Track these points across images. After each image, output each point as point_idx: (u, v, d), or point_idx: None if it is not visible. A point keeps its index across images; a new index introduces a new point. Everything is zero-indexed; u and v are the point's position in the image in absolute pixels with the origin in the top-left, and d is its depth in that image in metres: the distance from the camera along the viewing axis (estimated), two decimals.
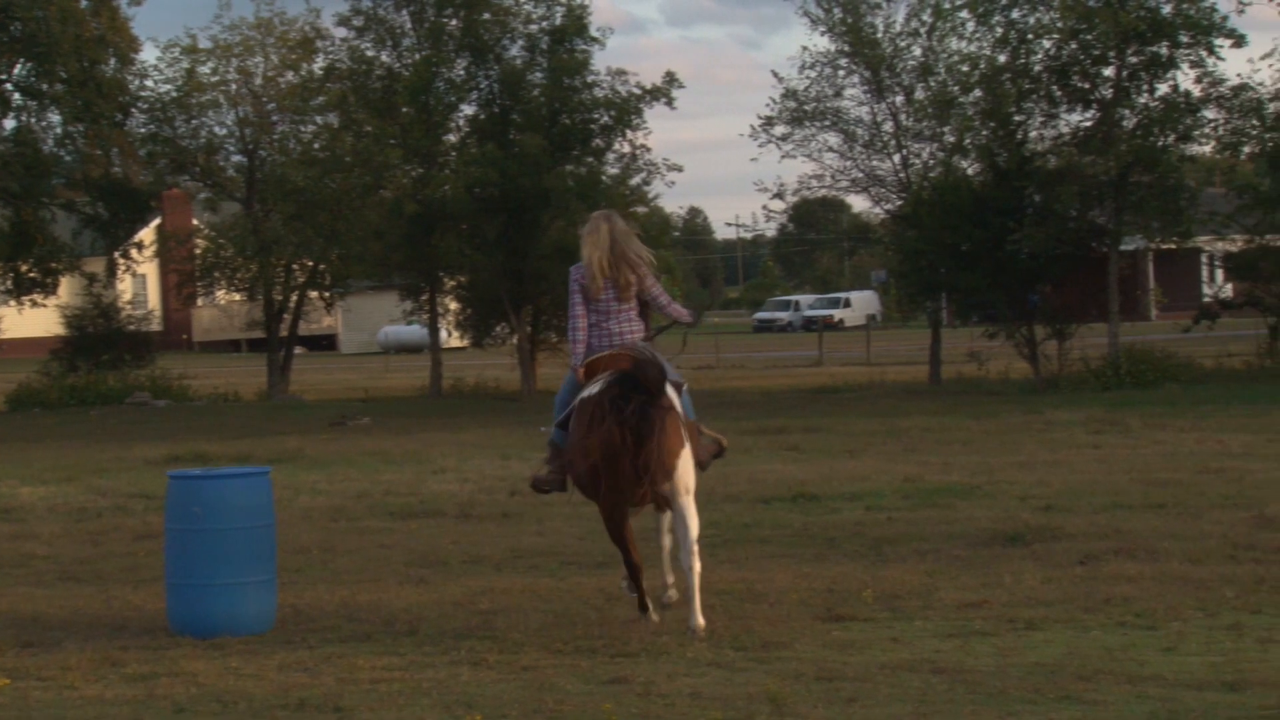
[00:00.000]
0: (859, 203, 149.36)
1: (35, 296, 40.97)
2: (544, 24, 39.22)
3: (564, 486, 10.65)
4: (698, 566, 10.05)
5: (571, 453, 10.28)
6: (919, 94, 38.36)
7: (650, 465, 9.76)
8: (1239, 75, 34.95)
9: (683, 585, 10.38)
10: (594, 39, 39.28)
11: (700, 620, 9.96)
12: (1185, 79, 34.25)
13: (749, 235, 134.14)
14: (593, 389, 10.12)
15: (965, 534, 13.67)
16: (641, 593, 10.45)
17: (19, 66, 40.29)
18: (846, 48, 38.28)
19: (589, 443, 9.96)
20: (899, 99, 38.60)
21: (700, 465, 10.44)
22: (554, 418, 10.66)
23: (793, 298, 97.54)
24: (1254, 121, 34.14)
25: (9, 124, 40.58)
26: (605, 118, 39.05)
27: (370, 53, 40.21)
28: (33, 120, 40.63)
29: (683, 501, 10.03)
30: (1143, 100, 34.47)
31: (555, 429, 10.62)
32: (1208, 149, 35.71)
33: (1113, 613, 10.31)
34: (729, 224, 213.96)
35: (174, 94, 40.80)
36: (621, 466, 9.83)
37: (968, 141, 37.17)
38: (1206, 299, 39.36)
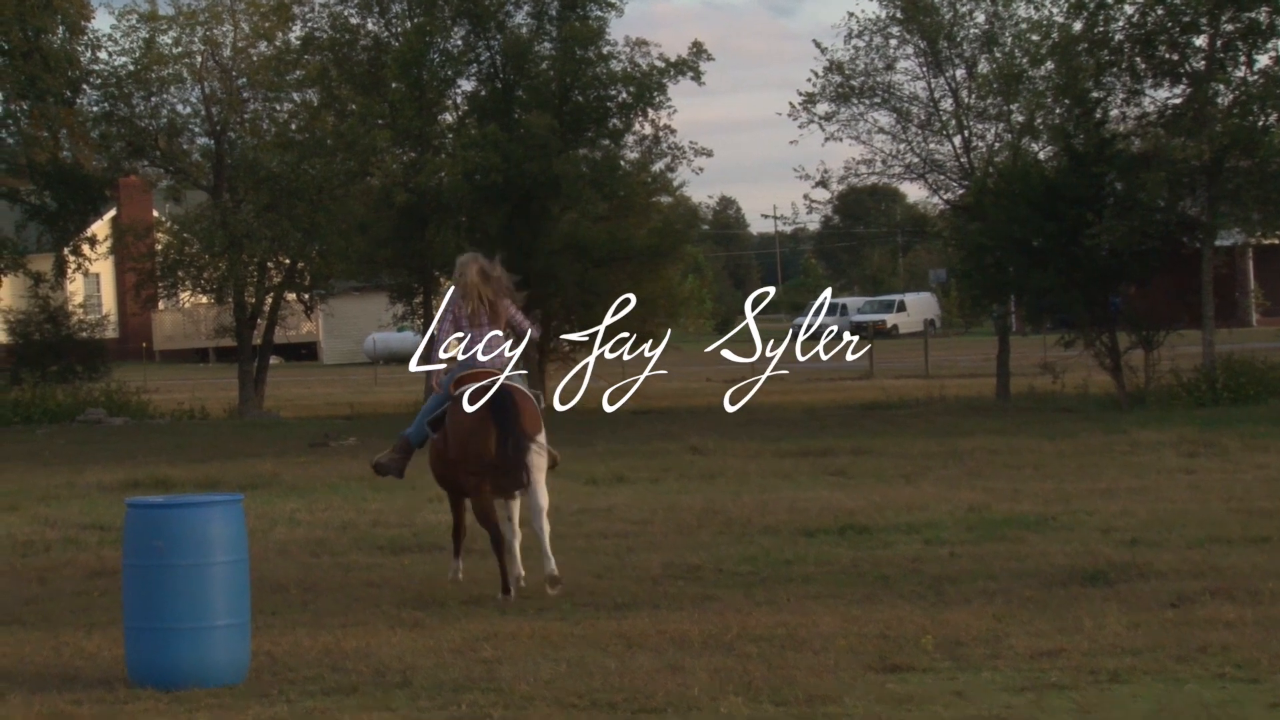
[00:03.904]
0: (914, 191, 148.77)
1: None
2: None
3: (401, 474, 14.44)
4: (548, 528, 13.52)
5: (441, 444, 13.67)
6: (983, 67, 38.34)
7: (523, 427, 13.23)
8: None
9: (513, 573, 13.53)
10: (610, 4, 39.37)
11: (555, 568, 13.37)
12: None
13: (788, 229, 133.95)
14: (465, 390, 13.41)
15: (1038, 572, 13.67)
16: (506, 569, 13.48)
17: None
18: (899, 14, 38.26)
19: (462, 428, 13.38)
20: (960, 73, 38.57)
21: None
22: (420, 419, 14.00)
23: (839, 300, 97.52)
24: None
25: None
26: (623, 94, 39.11)
27: (355, 20, 40.32)
28: None
29: (538, 477, 13.47)
30: (1240, 74, 34.41)
31: (421, 424, 13.89)
32: None
33: (1209, 663, 10.30)
34: (765, 216, 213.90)
35: (131, 68, 40.92)
36: (487, 446, 13.27)
37: (1039, 121, 37.10)
38: None
